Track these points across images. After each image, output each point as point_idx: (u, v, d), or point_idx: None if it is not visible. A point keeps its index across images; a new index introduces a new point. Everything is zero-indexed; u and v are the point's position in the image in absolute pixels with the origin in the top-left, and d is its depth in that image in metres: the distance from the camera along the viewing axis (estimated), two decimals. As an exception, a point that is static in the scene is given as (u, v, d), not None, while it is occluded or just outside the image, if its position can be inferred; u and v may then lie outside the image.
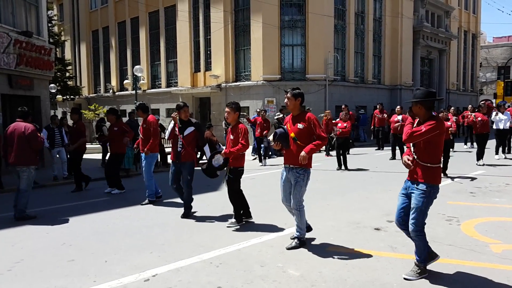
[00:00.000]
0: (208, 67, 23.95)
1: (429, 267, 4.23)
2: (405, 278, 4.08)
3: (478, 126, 12.04)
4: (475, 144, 16.08)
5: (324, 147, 16.66)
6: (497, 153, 13.36)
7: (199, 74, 24.54)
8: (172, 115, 6.93)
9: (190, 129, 6.84)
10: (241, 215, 6.25)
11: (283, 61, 21.73)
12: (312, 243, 5.26)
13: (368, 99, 24.05)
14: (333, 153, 15.83)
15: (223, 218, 6.66)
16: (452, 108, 16.34)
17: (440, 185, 4.13)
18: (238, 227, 6.14)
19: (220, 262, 4.72)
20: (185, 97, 24.89)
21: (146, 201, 8.07)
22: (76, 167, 9.79)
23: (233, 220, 6.23)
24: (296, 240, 5.14)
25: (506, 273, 4.23)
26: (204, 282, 4.17)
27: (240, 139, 5.91)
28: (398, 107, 14.04)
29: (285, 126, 5.12)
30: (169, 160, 8.00)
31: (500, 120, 12.95)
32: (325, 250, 5.01)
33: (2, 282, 4.35)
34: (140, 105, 8.33)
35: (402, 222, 4.20)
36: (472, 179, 9.71)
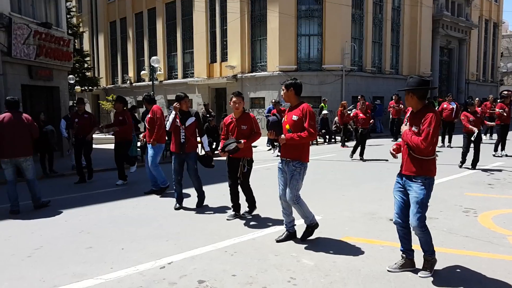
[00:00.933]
0: (224, 58, 23.95)
1: (447, 258, 4.18)
2: (421, 277, 3.94)
3: (504, 117, 11.61)
4: (494, 135, 15.76)
5: (340, 137, 16.60)
6: None
7: (215, 64, 24.57)
8: (173, 105, 6.80)
9: (191, 119, 6.78)
10: (255, 203, 6.30)
11: (299, 51, 21.57)
12: (327, 233, 5.26)
13: (386, 90, 23.72)
14: (349, 144, 15.76)
15: (238, 208, 6.69)
16: (477, 99, 15.90)
17: (457, 176, 4.07)
18: (251, 216, 6.21)
19: (234, 250, 4.76)
20: (201, 88, 24.98)
21: (160, 189, 8.15)
22: (88, 157, 9.88)
23: (247, 209, 6.29)
24: (307, 228, 5.10)
25: (524, 265, 4.17)
26: (219, 270, 4.21)
27: (255, 129, 5.99)
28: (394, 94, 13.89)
29: (282, 116, 5.12)
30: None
31: None
32: (340, 240, 5.01)
33: (22, 267, 4.48)
34: (145, 97, 8.38)
35: (404, 218, 4.00)
36: (491, 170, 9.53)
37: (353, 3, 22.07)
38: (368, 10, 22.95)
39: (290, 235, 5.09)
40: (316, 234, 5.16)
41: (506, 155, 11.67)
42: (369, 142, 16.12)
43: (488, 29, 35.63)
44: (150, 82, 20.94)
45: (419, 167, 3.85)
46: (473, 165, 9.66)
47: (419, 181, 3.84)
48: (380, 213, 6.17)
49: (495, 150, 11.84)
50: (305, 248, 4.78)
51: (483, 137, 16.86)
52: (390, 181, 8.58)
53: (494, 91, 35.88)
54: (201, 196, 7.01)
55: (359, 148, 11.89)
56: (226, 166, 6.13)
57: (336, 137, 17.88)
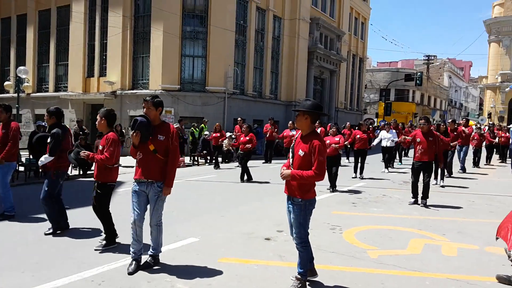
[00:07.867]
0: (103, 73, 22.74)
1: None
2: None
3: (358, 143, 12.88)
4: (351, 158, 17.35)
5: (213, 159, 16.70)
6: (386, 167, 14.61)
7: (92, 79, 23.16)
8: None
9: (50, 137, 6.22)
10: (115, 234, 5.58)
11: (183, 71, 21.50)
12: (204, 255, 5.18)
13: (265, 114, 24.74)
14: (223, 166, 16.03)
15: (111, 232, 6.23)
16: (348, 123, 17.42)
17: (325, 196, 4.34)
18: (110, 248, 5.45)
19: (102, 279, 4.39)
20: (75, 103, 23.32)
21: (3, 215, 7.08)
22: None
23: (103, 241, 5.49)
24: (150, 258, 4.80)
25: (381, 277, 4.58)
26: (83, 301, 3.84)
27: (104, 150, 5.27)
28: (290, 122, 14.69)
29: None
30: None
31: (385, 138, 14.37)
32: (216, 262, 4.95)
33: None
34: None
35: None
36: (354, 191, 10.41)
37: (237, 29, 22.83)
38: (250, 37, 23.95)
39: (140, 264, 4.71)
40: (193, 257, 5.07)
41: (362, 178, 12.77)
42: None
43: (355, 63, 39.80)
44: (15, 94, 18.89)
45: (299, 188, 4.03)
46: (332, 187, 10.10)
47: (298, 202, 4.04)
48: (256, 233, 6.30)
49: (359, 172, 12.91)
50: (180, 272, 4.63)
51: (346, 160, 18.44)
52: (268, 201, 8.92)
53: (359, 119, 39.93)
54: (51, 221, 6.20)
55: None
56: None
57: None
